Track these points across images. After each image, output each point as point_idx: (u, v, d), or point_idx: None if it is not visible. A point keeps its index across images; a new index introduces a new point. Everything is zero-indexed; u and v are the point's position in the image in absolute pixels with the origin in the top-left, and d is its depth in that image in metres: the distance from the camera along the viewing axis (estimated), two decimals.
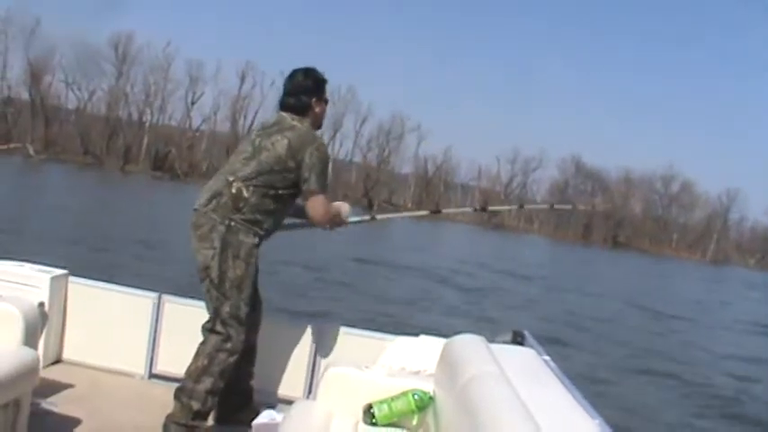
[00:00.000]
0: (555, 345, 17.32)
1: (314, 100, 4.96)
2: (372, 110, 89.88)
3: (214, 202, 4.68)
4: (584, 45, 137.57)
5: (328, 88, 5.06)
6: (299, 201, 4.90)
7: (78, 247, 20.74)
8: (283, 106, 4.98)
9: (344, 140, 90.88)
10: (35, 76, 73.81)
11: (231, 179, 4.70)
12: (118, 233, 25.58)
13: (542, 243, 79.51)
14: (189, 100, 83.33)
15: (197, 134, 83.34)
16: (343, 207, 5.16)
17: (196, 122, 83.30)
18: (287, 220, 5.04)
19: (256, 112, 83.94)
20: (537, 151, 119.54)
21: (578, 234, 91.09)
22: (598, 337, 21.37)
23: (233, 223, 4.63)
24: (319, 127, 5.07)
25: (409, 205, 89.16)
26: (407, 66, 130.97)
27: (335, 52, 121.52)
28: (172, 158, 76.46)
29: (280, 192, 4.73)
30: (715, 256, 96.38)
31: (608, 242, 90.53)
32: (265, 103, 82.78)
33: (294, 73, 5.02)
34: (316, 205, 4.81)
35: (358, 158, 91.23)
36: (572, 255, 68.34)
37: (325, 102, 5.07)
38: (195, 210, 4.74)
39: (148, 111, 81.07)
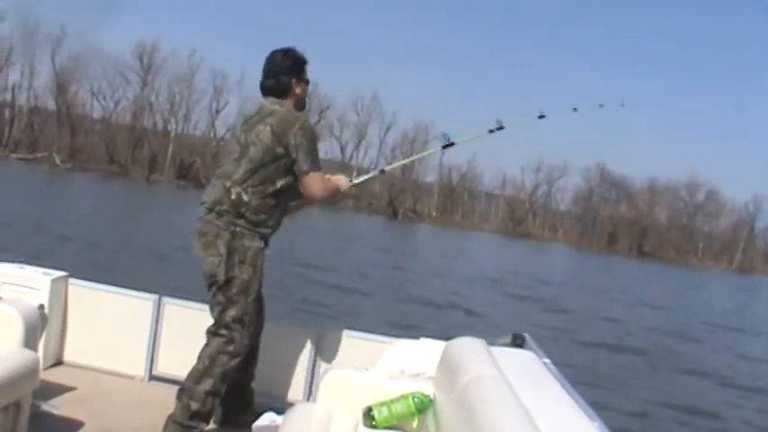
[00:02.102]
0: (579, 351, 17.30)
1: (294, 80, 4.87)
2: (396, 118, 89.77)
3: (216, 209, 4.63)
4: (608, 52, 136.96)
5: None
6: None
7: (103, 253, 20.89)
8: (263, 89, 4.90)
9: (369, 149, 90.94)
10: (61, 85, 74.38)
11: (228, 185, 4.64)
12: (142, 241, 25.68)
13: (567, 252, 79.17)
14: (213, 109, 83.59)
15: (221, 144, 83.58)
16: (341, 180, 5.08)
17: (220, 132, 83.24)
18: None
19: None
20: (561, 160, 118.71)
21: (603, 243, 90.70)
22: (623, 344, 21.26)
23: (237, 229, 4.60)
24: (303, 108, 4.95)
25: (434, 214, 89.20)
26: (431, 73, 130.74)
27: (360, 59, 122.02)
28: (196, 168, 76.61)
29: (279, 185, 4.67)
30: (741, 265, 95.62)
31: (633, 251, 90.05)
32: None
33: (273, 54, 4.92)
34: (310, 184, 4.72)
35: (382, 167, 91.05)
36: (597, 264, 68.02)
37: (306, 82, 4.96)
38: (199, 218, 4.71)
39: (173, 120, 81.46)
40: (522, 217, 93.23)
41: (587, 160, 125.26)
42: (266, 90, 4.89)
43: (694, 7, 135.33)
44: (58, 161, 69.43)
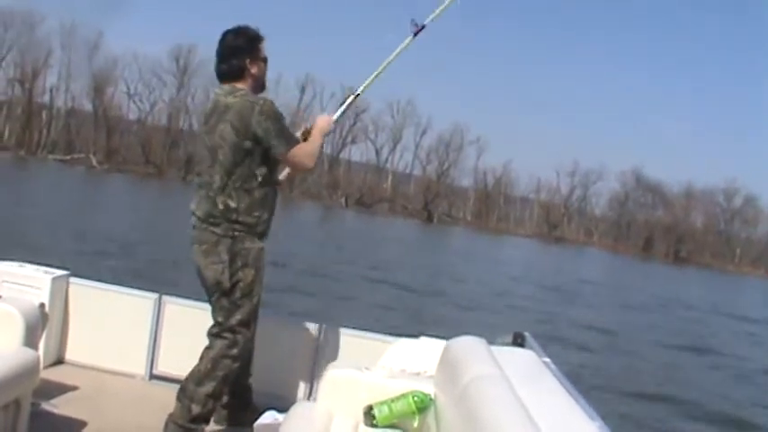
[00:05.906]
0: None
1: (248, 60, 4.67)
2: (432, 122, 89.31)
3: (210, 219, 4.54)
4: (644, 55, 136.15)
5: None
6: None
7: (139, 254, 21.08)
8: (218, 75, 4.74)
9: (404, 153, 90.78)
10: (98, 87, 75.04)
11: (212, 195, 4.54)
12: (176, 241, 25.83)
13: (603, 256, 78.65)
14: None
15: None
16: (323, 126, 4.88)
17: None
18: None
19: None
20: (597, 164, 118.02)
21: (638, 247, 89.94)
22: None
23: (236, 233, 4.51)
24: (262, 88, 4.78)
25: (468, 218, 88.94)
26: (468, 78, 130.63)
27: (395, 64, 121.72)
28: None
29: (260, 177, 4.56)
30: None
31: (669, 256, 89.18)
32: (325, 114, 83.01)
33: (224, 35, 4.75)
34: (297, 162, 4.68)
35: (418, 171, 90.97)
36: (633, 268, 67.54)
37: (264, 60, 4.77)
38: (193, 226, 4.64)
39: None
40: (557, 221, 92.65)
41: (623, 165, 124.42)
42: (221, 75, 4.73)
43: (737, 9, 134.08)
44: (94, 162, 70.14)
